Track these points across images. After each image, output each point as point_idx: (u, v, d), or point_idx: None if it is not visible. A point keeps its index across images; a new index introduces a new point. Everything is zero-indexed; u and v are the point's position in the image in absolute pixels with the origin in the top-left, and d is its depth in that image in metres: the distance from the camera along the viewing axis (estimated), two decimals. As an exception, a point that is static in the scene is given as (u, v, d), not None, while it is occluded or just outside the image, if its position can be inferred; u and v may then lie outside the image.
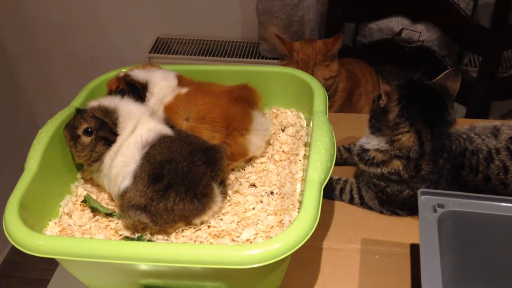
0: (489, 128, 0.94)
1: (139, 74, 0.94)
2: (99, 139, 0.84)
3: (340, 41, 1.33)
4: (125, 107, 0.86)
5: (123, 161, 0.82)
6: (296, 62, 1.37)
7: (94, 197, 0.88)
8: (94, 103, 0.86)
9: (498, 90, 1.48)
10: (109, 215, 0.85)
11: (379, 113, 0.86)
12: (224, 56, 1.84)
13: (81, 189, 0.90)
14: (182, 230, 0.81)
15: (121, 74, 0.95)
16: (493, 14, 1.38)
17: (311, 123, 0.88)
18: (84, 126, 0.84)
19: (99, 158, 0.85)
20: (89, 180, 0.92)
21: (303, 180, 0.79)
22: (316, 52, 1.35)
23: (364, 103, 1.46)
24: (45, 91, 2.23)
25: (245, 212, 0.84)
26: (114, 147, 0.84)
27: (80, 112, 0.86)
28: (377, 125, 0.87)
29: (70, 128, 0.85)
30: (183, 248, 0.67)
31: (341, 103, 1.41)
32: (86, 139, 0.84)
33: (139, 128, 0.85)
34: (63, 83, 2.18)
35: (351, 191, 0.96)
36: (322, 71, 1.34)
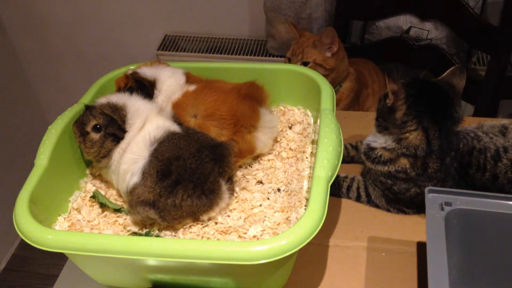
0: (497, 127, 0.93)
1: (147, 72, 0.94)
2: (108, 135, 0.84)
3: (329, 33, 1.32)
4: (134, 104, 0.87)
5: (131, 158, 0.82)
6: (297, 43, 1.38)
7: (102, 193, 0.89)
8: (103, 100, 0.87)
9: (506, 88, 1.47)
10: (117, 210, 0.85)
11: (386, 112, 0.86)
12: (232, 54, 1.84)
13: (90, 185, 0.91)
14: (190, 226, 0.81)
15: (129, 72, 0.95)
16: (502, 12, 1.38)
17: (318, 121, 0.88)
18: (93, 122, 0.85)
19: (107, 154, 0.85)
20: (98, 176, 0.93)
21: (310, 177, 0.80)
22: (313, 38, 1.37)
23: (371, 104, 1.46)
24: (54, 88, 2.24)
25: (252, 208, 0.84)
26: (123, 144, 0.84)
27: (89, 109, 0.86)
28: (384, 124, 0.87)
29: (79, 124, 0.86)
30: (190, 244, 0.67)
31: (347, 102, 1.41)
32: (95, 136, 0.85)
33: (147, 125, 0.85)
34: (72, 80, 2.19)
35: (358, 189, 0.96)
36: (313, 54, 1.35)
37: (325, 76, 1.32)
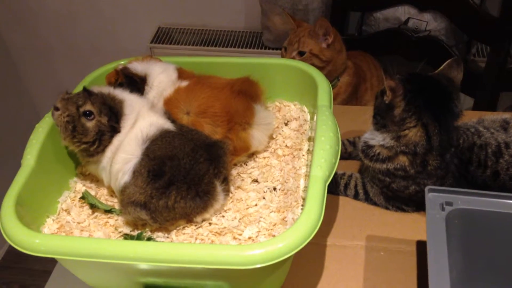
0: (498, 122, 0.91)
1: (137, 67, 0.91)
2: (107, 128, 0.80)
3: (322, 23, 1.30)
4: (130, 99, 0.84)
5: (124, 157, 0.80)
6: (294, 32, 1.36)
7: (93, 192, 0.86)
8: (104, 90, 0.83)
9: (506, 80, 1.45)
10: (108, 211, 0.83)
11: (384, 109, 0.84)
12: (227, 46, 1.81)
13: (79, 185, 0.88)
14: (183, 228, 0.79)
15: (120, 67, 0.92)
16: (502, 3, 1.35)
17: (315, 117, 0.86)
18: (88, 107, 0.79)
19: (103, 149, 0.81)
20: (87, 176, 0.90)
21: (307, 175, 0.77)
22: (310, 28, 1.34)
23: (370, 98, 1.44)
24: (46, 82, 2.21)
25: (247, 208, 0.82)
26: (115, 141, 0.81)
27: (87, 92, 0.80)
28: (382, 121, 0.85)
29: (72, 103, 0.79)
30: (184, 248, 0.66)
31: (345, 97, 1.39)
32: (85, 122, 0.79)
33: (139, 122, 0.82)
34: (65, 74, 2.16)
35: (355, 186, 0.94)
36: (310, 44, 1.32)
37: (321, 68, 1.31)
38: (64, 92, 0.82)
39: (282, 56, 1.38)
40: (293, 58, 1.32)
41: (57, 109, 0.80)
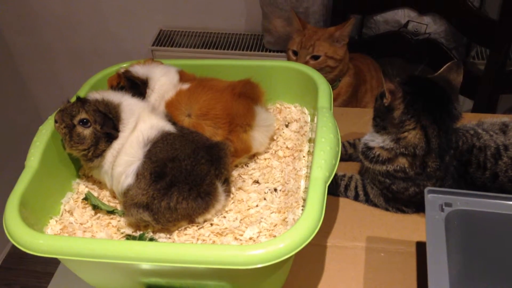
0: (498, 124, 0.92)
1: (139, 70, 0.92)
2: (102, 135, 0.81)
3: (351, 24, 1.31)
4: (128, 102, 0.84)
5: (127, 160, 0.80)
6: (303, 35, 1.36)
7: (95, 194, 0.87)
8: (97, 96, 0.84)
9: (506, 83, 1.46)
10: (110, 212, 0.84)
11: (384, 112, 0.85)
12: (228, 49, 1.82)
13: (82, 186, 0.89)
14: (185, 228, 0.80)
15: (121, 70, 0.93)
16: (502, 6, 1.36)
17: (315, 119, 0.86)
18: (83, 116, 0.80)
19: (101, 154, 0.83)
20: (90, 177, 0.91)
21: (307, 177, 0.78)
22: (324, 31, 1.35)
23: (369, 100, 1.45)
24: (48, 84, 2.21)
25: (248, 209, 0.83)
26: (116, 145, 0.82)
27: (81, 101, 0.82)
28: (382, 123, 0.86)
29: (66, 114, 0.82)
30: (186, 248, 0.66)
31: (345, 98, 1.40)
32: (81, 130, 0.81)
33: (140, 125, 0.83)
34: (67, 76, 2.17)
35: (356, 187, 0.94)
36: (324, 47, 1.33)
37: (335, 68, 1.33)
38: (65, 102, 0.85)
39: (289, 59, 1.38)
40: (307, 62, 1.32)
41: (56, 121, 0.83)
